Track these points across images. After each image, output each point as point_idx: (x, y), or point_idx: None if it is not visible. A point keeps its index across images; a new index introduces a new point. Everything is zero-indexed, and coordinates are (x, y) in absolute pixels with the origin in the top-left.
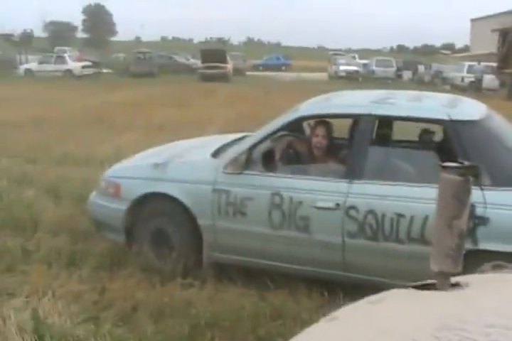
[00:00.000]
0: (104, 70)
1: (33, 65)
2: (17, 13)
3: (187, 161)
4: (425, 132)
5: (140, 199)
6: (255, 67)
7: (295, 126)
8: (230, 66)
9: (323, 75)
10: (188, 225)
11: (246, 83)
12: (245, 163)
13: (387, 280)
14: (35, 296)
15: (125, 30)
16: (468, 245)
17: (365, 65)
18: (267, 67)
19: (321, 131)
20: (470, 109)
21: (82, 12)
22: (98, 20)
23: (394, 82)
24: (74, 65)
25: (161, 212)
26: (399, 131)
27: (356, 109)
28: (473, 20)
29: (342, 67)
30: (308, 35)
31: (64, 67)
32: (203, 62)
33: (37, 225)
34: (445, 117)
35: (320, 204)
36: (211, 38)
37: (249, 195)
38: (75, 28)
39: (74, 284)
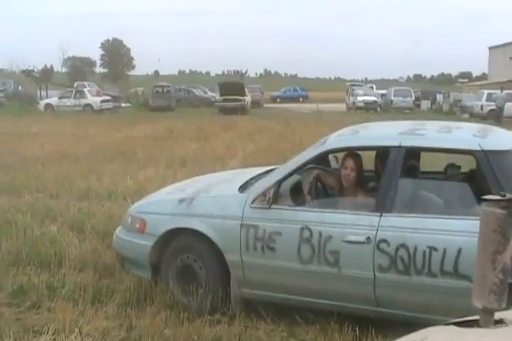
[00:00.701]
0: (123, 104)
1: (54, 100)
2: (37, 49)
3: (214, 196)
4: (451, 166)
5: (166, 234)
6: (273, 99)
7: (321, 160)
8: (248, 98)
9: (341, 106)
10: (216, 261)
11: (264, 115)
12: (273, 197)
13: (420, 315)
14: (62, 334)
15: (143, 64)
16: None
17: (383, 95)
18: (284, 99)
19: (350, 163)
20: (501, 138)
21: (101, 47)
22: (116, 55)
23: (412, 111)
24: (93, 100)
25: (188, 247)
26: (424, 163)
27: (385, 141)
28: (490, 48)
29: (360, 98)
30: (325, 66)
31: (83, 101)
32: (221, 95)
33: (62, 261)
34: (477, 148)
35: (350, 238)
36: (228, 71)
37: (277, 229)
38: (93, 63)
39: (100, 321)
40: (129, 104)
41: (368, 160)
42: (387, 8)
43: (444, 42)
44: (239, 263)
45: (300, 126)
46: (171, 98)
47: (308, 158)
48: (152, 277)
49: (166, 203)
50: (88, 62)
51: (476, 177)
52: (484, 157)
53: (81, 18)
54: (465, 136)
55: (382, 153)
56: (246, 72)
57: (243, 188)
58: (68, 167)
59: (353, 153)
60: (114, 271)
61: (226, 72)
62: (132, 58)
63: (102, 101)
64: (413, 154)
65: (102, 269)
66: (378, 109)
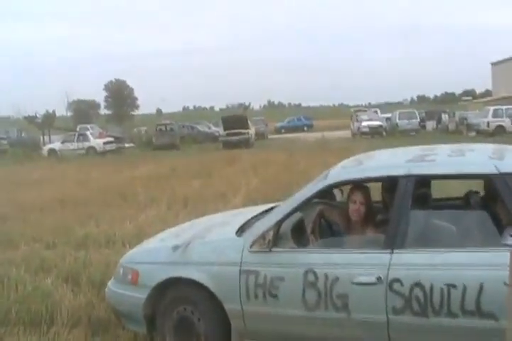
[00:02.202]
0: (127, 145)
1: (57, 145)
2: (42, 94)
3: (209, 241)
4: (471, 193)
5: (160, 285)
6: (277, 130)
7: (325, 193)
8: (251, 131)
9: (346, 133)
10: (214, 311)
11: (269, 147)
12: (274, 239)
13: None
14: None
15: (147, 104)
16: None
17: (387, 118)
18: (289, 129)
19: (358, 197)
20: None
21: (104, 89)
22: (120, 96)
23: (418, 133)
24: (96, 142)
25: (184, 298)
26: (437, 190)
27: (392, 171)
28: (493, 64)
29: (365, 123)
30: (328, 94)
31: (86, 144)
32: (224, 130)
33: (53, 318)
34: (493, 171)
35: (359, 279)
36: (232, 104)
37: (279, 274)
38: (98, 105)
39: None
40: (132, 145)
41: (374, 191)
42: (382, 31)
43: (445, 61)
44: (239, 313)
45: (305, 155)
46: (174, 136)
47: (310, 195)
48: (148, 332)
49: (159, 251)
50: (92, 105)
51: (493, 203)
52: (502, 180)
53: (83, 62)
54: (480, 158)
55: (390, 183)
56: (249, 105)
57: (241, 231)
58: (67, 213)
59: (360, 185)
60: (109, 325)
61: (230, 106)
62: (136, 98)
63: (105, 143)
64: (423, 182)
65: (96, 324)
66: (384, 133)
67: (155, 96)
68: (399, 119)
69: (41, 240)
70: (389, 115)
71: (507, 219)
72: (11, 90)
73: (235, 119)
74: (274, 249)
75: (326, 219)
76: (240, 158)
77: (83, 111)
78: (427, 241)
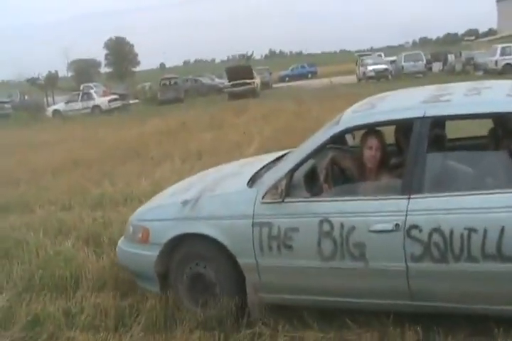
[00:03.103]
0: (132, 101)
1: (61, 106)
2: (42, 56)
3: (219, 195)
4: (491, 132)
5: (172, 242)
6: (281, 79)
7: (337, 139)
8: (257, 81)
9: (351, 78)
10: (228, 266)
11: (275, 96)
12: (286, 189)
13: (462, 305)
14: None
15: (148, 59)
16: None
17: (392, 61)
18: (293, 77)
19: (374, 142)
20: None
21: (104, 47)
22: (120, 53)
23: (425, 75)
24: (101, 100)
25: (197, 254)
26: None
27: (408, 113)
28: (498, 1)
29: (370, 67)
30: (329, 40)
31: (91, 103)
32: (229, 81)
33: (78, 281)
34: None
35: (376, 227)
36: (233, 55)
37: (293, 225)
38: (98, 64)
39: None
40: (137, 101)
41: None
42: None
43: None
44: (254, 267)
45: (314, 102)
46: (179, 89)
47: (322, 142)
48: (161, 290)
49: (169, 207)
50: (93, 63)
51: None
52: None
53: (81, 21)
54: (498, 97)
55: (404, 126)
56: (252, 55)
57: (252, 182)
58: (81, 174)
59: (374, 130)
60: (136, 287)
61: (231, 57)
62: (136, 54)
63: (110, 101)
64: (440, 123)
65: (123, 287)
66: (389, 77)
67: (155, 52)
68: (404, 62)
69: (57, 202)
70: (392, 58)
71: None
72: (9, 54)
73: (240, 70)
74: (287, 200)
75: (338, 166)
76: (248, 108)
77: (84, 71)
78: (446, 184)
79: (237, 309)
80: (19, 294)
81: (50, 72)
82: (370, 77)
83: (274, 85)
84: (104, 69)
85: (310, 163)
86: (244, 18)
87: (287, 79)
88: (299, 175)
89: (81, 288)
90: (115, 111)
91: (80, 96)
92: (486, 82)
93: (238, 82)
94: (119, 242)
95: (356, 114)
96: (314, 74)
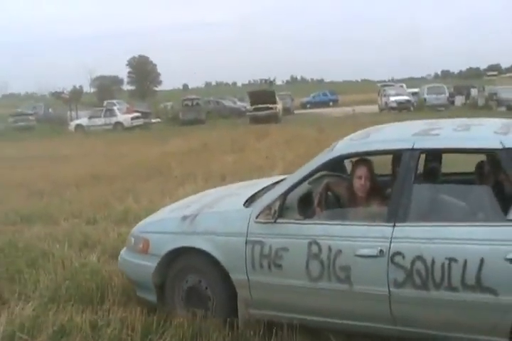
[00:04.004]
0: (154, 120)
1: (84, 120)
2: (66, 71)
3: (217, 212)
4: (479, 168)
5: (169, 255)
6: (303, 105)
7: (335, 165)
8: (279, 106)
9: (373, 108)
10: (221, 281)
11: (297, 122)
12: (279, 210)
13: (442, 333)
14: None
15: (169, 79)
16: None
17: (414, 93)
18: (314, 104)
19: (363, 171)
20: None
21: (127, 64)
22: (143, 72)
23: (447, 108)
24: (123, 117)
25: (192, 267)
26: (451, 163)
27: (397, 144)
28: None
29: (392, 98)
30: (351, 69)
31: (113, 120)
32: (252, 104)
33: (104, 294)
34: (498, 146)
35: (361, 251)
36: (254, 80)
37: (284, 245)
38: (121, 81)
39: None
40: (159, 120)
41: (386, 164)
42: (402, 7)
43: (470, 36)
44: (245, 283)
45: (335, 130)
46: (200, 110)
47: (316, 167)
48: (158, 300)
49: (169, 221)
50: (116, 81)
51: (499, 178)
52: (506, 155)
53: (106, 38)
54: (485, 133)
55: (397, 157)
56: (274, 80)
57: (250, 202)
58: (103, 189)
59: (363, 159)
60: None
61: (253, 81)
62: (159, 74)
63: (132, 119)
64: (431, 156)
65: (148, 303)
66: (411, 108)
67: (177, 73)
68: (427, 94)
69: (81, 216)
70: (416, 90)
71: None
72: (36, 67)
73: (263, 94)
74: (279, 220)
75: (333, 192)
76: (270, 133)
77: (106, 87)
78: (430, 214)
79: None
80: (45, 304)
81: (74, 86)
82: (392, 108)
83: (296, 111)
84: (126, 87)
85: (306, 187)
86: (266, 43)
87: (309, 105)
88: (294, 197)
89: (107, 301)
90: (137, 129)
91: (103, 112)
92: (479, 119)
93: (261, 106)
94: (122, 252)
95: (350, 143)
96: (335, 102)
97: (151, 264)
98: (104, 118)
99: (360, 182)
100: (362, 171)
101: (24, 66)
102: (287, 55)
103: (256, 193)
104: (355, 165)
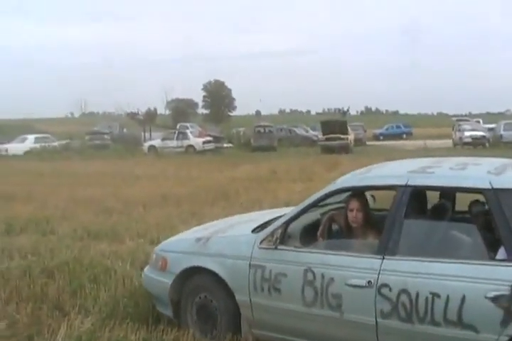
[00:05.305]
0: (225, 145)
1: (157, 142)
2: (142, 92)
3: (227, 236)
4: (476, 203)
5: (184, 273)
6: (375, 137)
7: (343, 199)
8: (351, 137)
9: (446, 142)
10: (228, 301)
11: (368, 154)
12: (281, 238)
13: None
14: None
15: (244, 105)
16: None
17: (490, 129)
18: (387, 136)
19: (355, 205)
20: None
21: (203, 89)
22: (218, 96)
23: None
24: (196, 141)
25: (204, 286)
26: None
27: (392, 180)
28: None
29: (467, 133)
30: (427, 102)
31: (186, 142)
32: (323, 134)
33: (159, 315)
34: (486, 186)
35: (351, 281)
36: (328, 109)
37: (282, 270)
38: (196, 105)
39: None
40: (230, 145)
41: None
42: (483, 39)
43: None
44: (248, 304)
45: None
46: (272, 138)
47: (316, 199)
48: (174, 315)
49: (185, 242)
50: (191, 104)
51: (490, 217)
52: (494, 195)
53: (183, 62)
54: (477, 173)
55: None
56: (348, 110)
57: (261, 228)
58: (170, 210)
59: (356, 193)
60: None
61: (327, 110)
62: (234, 99)
63: (204, 143)
64: (424, 193)
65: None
66: (487, 145)
67: (252, 99)
68: (504, 130)
69: (145, 236)
70: (491, 125)
71: (498, 234)
72: (115, 88)
73: (335, 124)
74: (280, 247)
75: (335, 223)
76: (340, 164)
77: (181, 110)
78: (418, 250)
79: None
80: (103, 319)
81: (149, 108)
82: (466, 143)
83: (368, 142)
84: (200, 111)
85: (315, 217)
86: (343, 72)
87: (381, 137)
88: (300, 227)
89: (162, 322)
90: (208, 153)
91: (176, 135)
92: (481, 158)
93: (332, 136)
94: (145, 268)
95: (351, 177)
96: (409, 135)
97: (168, 281)
98: (176, 140)
99: (352, 214)
100: (354, 204)
101: (104, 85)
102: (363, 84)
103: (268, 221)
104: (349, 198)
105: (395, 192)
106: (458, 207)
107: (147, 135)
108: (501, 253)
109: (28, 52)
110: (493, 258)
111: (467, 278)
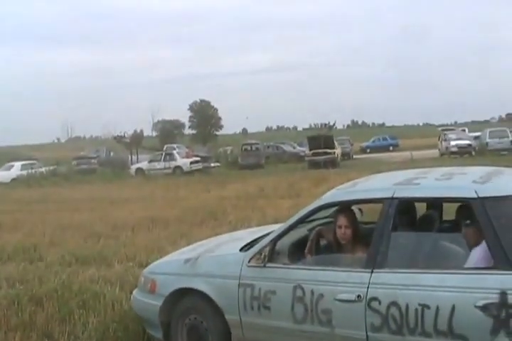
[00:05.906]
0: (213, 164)
1: (144, 164)
2: (128, 115)
3: (215, 256)
4: (460, 210)
5: (173, 295)
6: (362, 150)
7: (330, 213)
8: (337, 151)
9: (433, 152)
10: (218, 321)
11: (355, 167)
12: (269, 255)
13: None
14: None
15: (231, 124)
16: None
17: (476, 137)
18: (374, 149)
19: (343, 221)
20: (507, 183)
21: (189, 109)
22: (204, 116)
23: (510, 152)
24: (183, 162)
25: (194, 307)
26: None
27: (378, 193)
28: None
29: (453, 142)
30: (412, 113)
31: (173, 164)
32: (310, 149)
33: (150, 339)
34: (472, 195)
35: (341, 296)
36: (315, 124)
37: (272, 288)
38: (182, 125)
39: None
40: (218, 164)
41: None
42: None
43: None
44: (238, 323)
45: None
46: (260, 155)
47: (302, 215)
48: (164, 338)
49: (173, 263)
50: (177, 125)
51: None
52: (480, 204)
53: (168, 83)
54: (463, 182)
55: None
56: (334, 125)
57: (249, 246)
58: (158, 232)
59: (343, 209)
60: None
61: (313, 126)
62: (220, 118)
63: (192, 163)
64: (412, 205)
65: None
66: (473, 153)
67: (238, 117)
68: (489, 138)
69: (134, 259)
70: (478, 134)
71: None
72: (101, 112)
73: (321, 139)
74: (268, 264)
75: (324, 239)
76: (328, 179)
77: (168, 131)
78: (406, 262)
79: None
80: None
81: (135, 131)
82: (453, 152)
83: (355, 156)
84: (187, 131)
85: (302, 234)
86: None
87: (368, 150)
88: (287, 244)
89: None
90: (196, 173)
91: (163, 157)
92: (466, 167)
93: (319, 151)
94: (134, 291)
95: (336, 192)
96: (395, 147)
97: (157, 303)
98: (163, 162)
99: (340, 231)
100: (342, 221)
101: (90, 109)
102: (349, 98)
103: (256, 239)
104: (336, 214)
105: (381, 205)
106: (446, 216)
107: (134, 158)
108: (471, 259)
109: (6, 79)
110: (466, 268)
111: (456, 287)
